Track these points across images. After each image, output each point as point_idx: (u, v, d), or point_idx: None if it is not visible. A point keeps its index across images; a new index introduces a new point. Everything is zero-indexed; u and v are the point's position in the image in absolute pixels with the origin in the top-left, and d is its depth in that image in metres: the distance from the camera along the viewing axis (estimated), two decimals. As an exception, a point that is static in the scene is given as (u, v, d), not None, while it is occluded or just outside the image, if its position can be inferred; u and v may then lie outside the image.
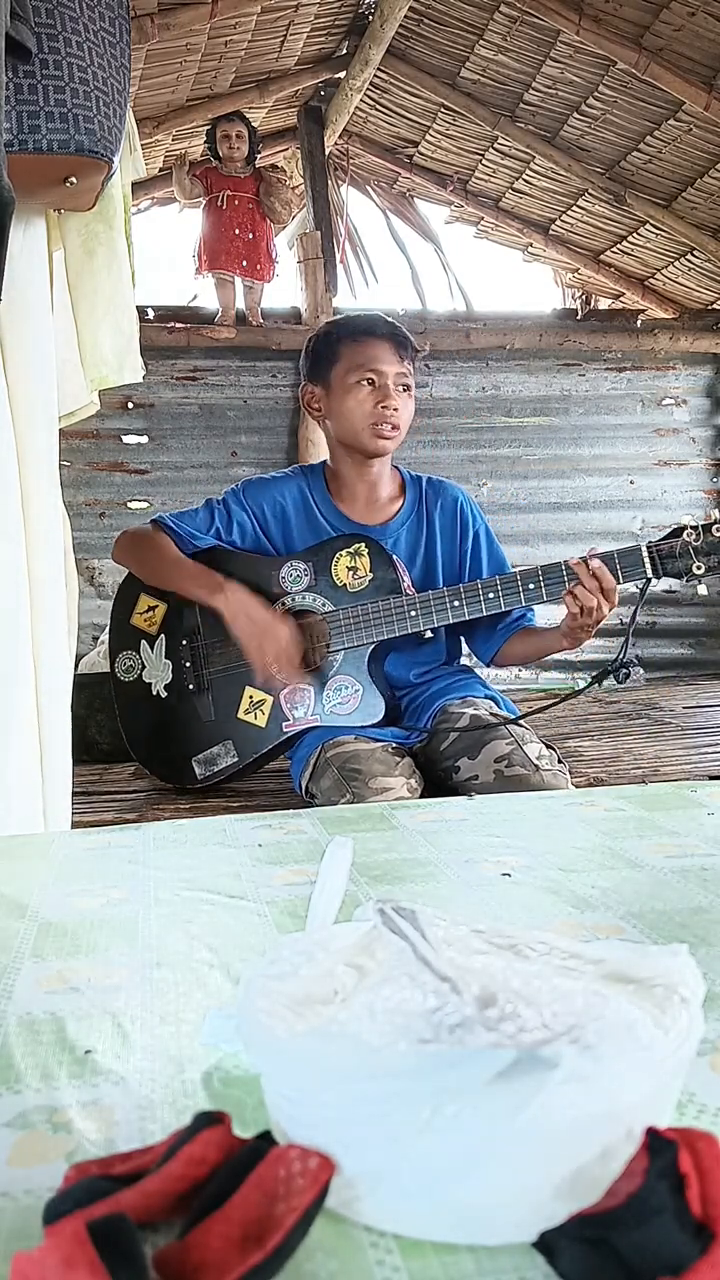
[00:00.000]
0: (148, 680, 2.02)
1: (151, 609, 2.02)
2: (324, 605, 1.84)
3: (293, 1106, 0.39)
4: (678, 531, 1.68)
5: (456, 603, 1.76)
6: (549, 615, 1.99)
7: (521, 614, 1.88)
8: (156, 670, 2.01)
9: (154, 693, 2.00)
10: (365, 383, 1.84)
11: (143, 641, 2.02)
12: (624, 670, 1.70)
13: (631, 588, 1.76)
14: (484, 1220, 0.35)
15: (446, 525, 1.93)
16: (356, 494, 1.93)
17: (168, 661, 1.99)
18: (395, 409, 1.83)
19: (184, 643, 1.98)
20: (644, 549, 1.68)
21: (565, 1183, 0.34)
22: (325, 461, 1.99)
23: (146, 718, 2.02)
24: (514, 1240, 0.34)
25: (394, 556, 1.83)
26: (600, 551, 1.70)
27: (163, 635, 2.01)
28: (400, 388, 1.84)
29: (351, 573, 1.83)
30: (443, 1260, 0.34)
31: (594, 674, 1.79)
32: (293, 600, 1.87)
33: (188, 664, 1.97)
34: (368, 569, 1.82)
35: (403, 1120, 0.35)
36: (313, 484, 1.95)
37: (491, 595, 1.75)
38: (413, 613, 1.78)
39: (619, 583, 1.68)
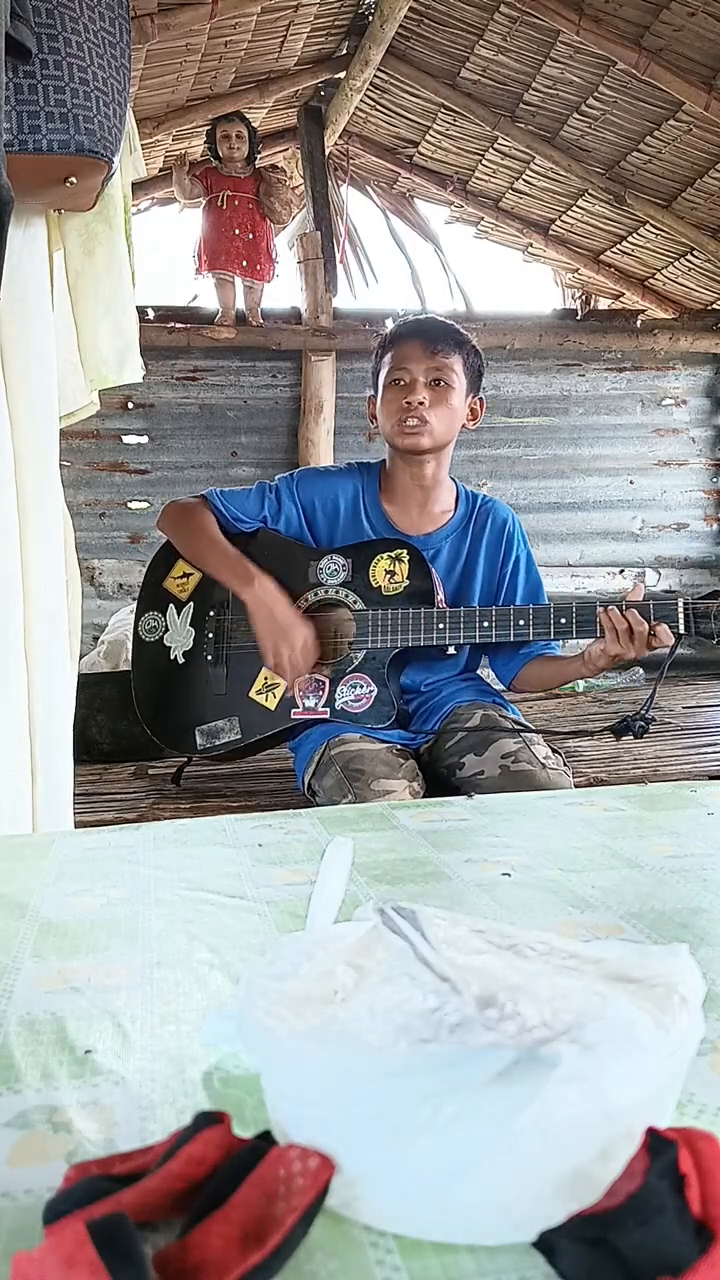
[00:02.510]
0: (168, 644, 2.03)
1: (186, 575, 2.03)
2: (355, 602, 1.86)
3: (293, 1106, 0.39)
4: (716, 594, 1.69)
5: (486, 624, 1.77)
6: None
7: (545, 642, 1.89)
8: (178, 636, 2.02)
9: (171, 657, 2.01)
10: (396, 383, 1.85)
11: (171, 605, 2.04)
12: (643, 724, 1.71)
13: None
14: (484, 1220, 0.35)
15: (491, 545, 1.94)
16: (410, 500, 1.93)
17: (191, 629, 2.01)
18: (420, 402, 1.83)
19: (211, 614, 1.99)
20: (680, 605, 1.68)
21: (565, 1183, 0.34)
22: (384, 461, 1.99)
23: (159, 680, 2.03)
24: (514, 1240, 0.34)
25: (433, 569, 1.84)
26: (636, 600, 1.70)
27: (192, 603, 2.02)
28: (431, 382, 1.84)
29: (389, 576, 1.84)
30: (443, 1260, 0.34)
31: (611, 725, 1.79)
32: (326, 592, 1.88)
33: (210, 635, 1.98)
34: (405, 575, 1.83)
35: (403, 1120, 0.35)
36: (367, 484, 1.95)
37: (522, 623, 1.76)
38: (440, 626, 1.78)
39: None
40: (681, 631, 1.68)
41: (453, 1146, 0.34)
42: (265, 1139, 0.37)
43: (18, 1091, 0.46)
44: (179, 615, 2.02)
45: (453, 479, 1.99)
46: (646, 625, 1.66)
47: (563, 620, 1.74)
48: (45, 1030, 0.52)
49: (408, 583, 1.83)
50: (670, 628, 1.67)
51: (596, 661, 1.72)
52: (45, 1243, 0.32)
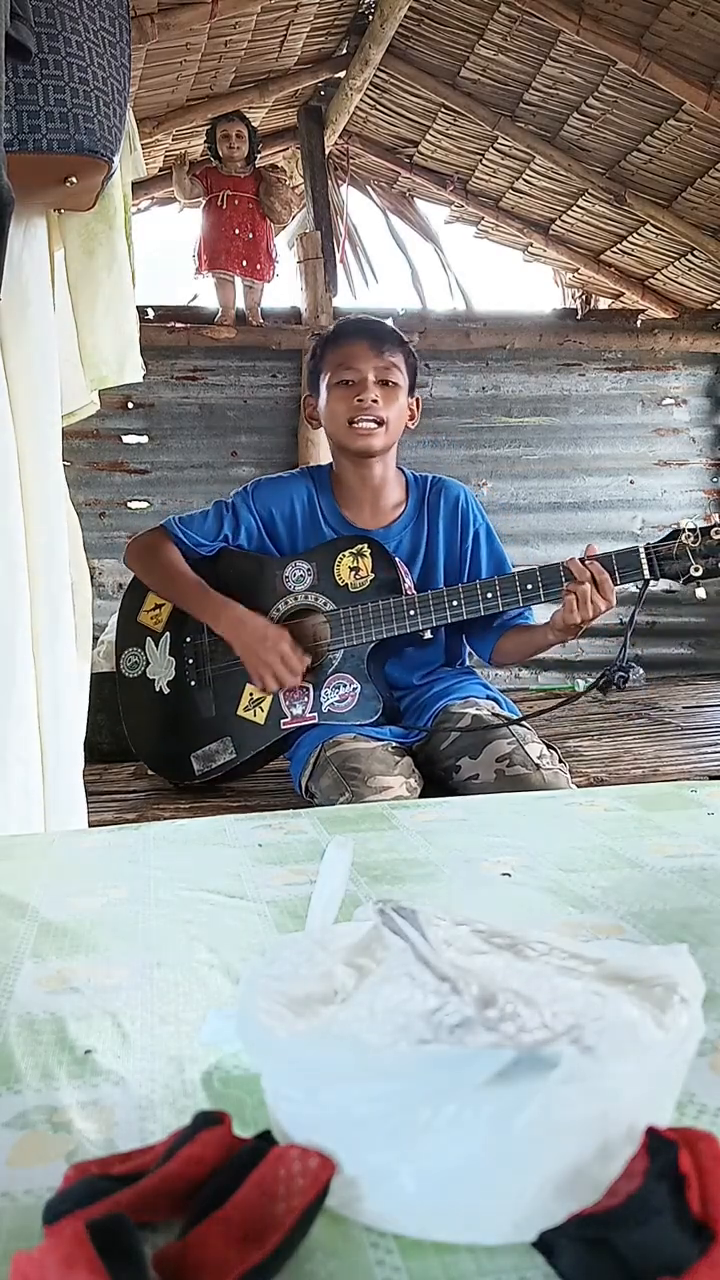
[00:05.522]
0: (151, 676, 2.03)
1: (158, 607, 2.04)
2: (326, 604, 1.86)
3: (293, 1106, 0.39)
4: (676, 533, 1.70)
5: (455, 602, 1.77)
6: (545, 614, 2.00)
7: (518, 613, 1.89)
8: (160, 667, 2.02)
9: (157, 689, 2.02)
10: (344, 383, 1.86)
11: (148, 638, 2.05)
12: (623, 674, 1.72)
13: (631, 588, 1.77)
14: (484, 1220, 0.35)
15: (448, 524, 1.95)
16: (360, 499, 1.94)
17: (171, 658, 2.01)
18: (373, 401, 1.83)
19: (188, 640, 2.00)
20: (641, 550, 1.70)
21: (565, 1183, 0.34)
22: (332, 464, 1.99)
23: (149, 714, 2.03)
24: (514, 1240, 0.34)
25: (395, 558, 1.84)
26: (599, 552, 1.72)
27: (167, 632, 2.03)
28: (380, 382, 1.85)
29: (353, 573, 1.84)
30: (443, 1260, 0.34)
31: (595, 677, 1.80)
32: (295, 599, 1.88)
33: (190, 660, 1.99)
34: (369, 569, 1.84)
35: (403, 1120, 0.35)
36: (319, 487, 1.97)
37: (490, 596, 1.76)
38: (411, 612, 1.79)
39: (616, 584, 1.69)
40: (646, 576, 1.69)
41: (452, 1146, 0.34)
42: (265, 1139, 0.37)
43: (18, 1091, 0.46)
44: (157, 647, 2.03)
45: (400, 468, 2.00)
46: (609, 574, 1.68)
47: (529, 586, 1.75)
48: (45, 1030, 0.52)
49: (373, 576, 1.83)
50: (636, 574, 1.69)
51: (564, 623, 1.73)
52: (45, 1243, 0.32)
